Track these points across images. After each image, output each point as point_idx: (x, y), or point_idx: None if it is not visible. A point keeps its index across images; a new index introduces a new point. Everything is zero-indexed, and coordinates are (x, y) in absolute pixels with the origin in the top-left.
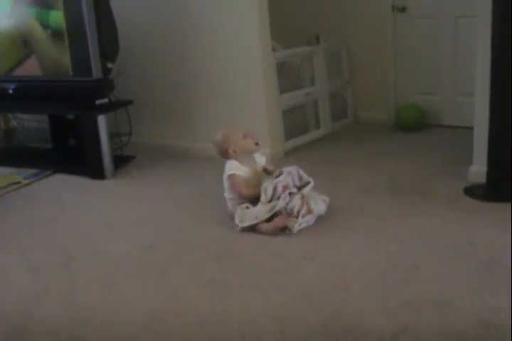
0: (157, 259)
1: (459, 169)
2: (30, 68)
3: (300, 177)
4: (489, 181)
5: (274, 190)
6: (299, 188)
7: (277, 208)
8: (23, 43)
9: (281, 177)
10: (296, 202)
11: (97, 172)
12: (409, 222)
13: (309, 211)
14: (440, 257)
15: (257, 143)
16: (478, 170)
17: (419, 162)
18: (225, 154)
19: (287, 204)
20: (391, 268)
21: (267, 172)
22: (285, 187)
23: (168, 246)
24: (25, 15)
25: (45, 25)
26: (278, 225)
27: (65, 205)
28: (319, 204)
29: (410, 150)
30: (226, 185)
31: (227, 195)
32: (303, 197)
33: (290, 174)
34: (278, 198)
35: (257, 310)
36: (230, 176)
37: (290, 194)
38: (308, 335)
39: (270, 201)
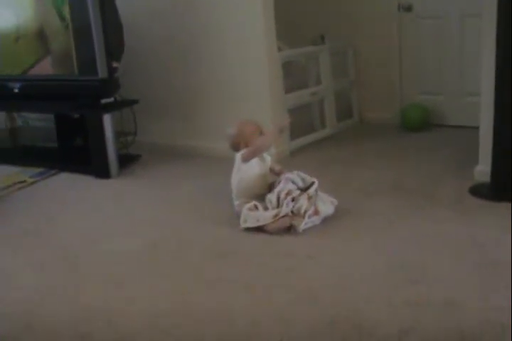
0: (162, 258)
1: (464, 169)
2: (41, 67)
3: (303, 180)
4: (494, 180)
5: (278, 198)
6: (305, 190)
7: (282, 214)
8: (41, 41)
9: (280, 186)
10: (302, 202)
11: (102, 172)
12: (415, 222)
13: (316, 212)
14: (445, 257)
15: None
16: (483, 169)
17: (425, 162)
18: (236, 147)
19: (293, 206)
20: (396, 269)
21: (272, 172)
22: (288, 194)
23: (174, 245)
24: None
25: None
26: (283, 225)
27: (70, 204)
28: (327, 206)
29: (415, 150)
30: (237, 165)
31: (234, 192)
32: (310, 197)
33: (288, 180)
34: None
35: (262, 310)
36: (240, 155)
37: (293, 199)
38: (313, 335)
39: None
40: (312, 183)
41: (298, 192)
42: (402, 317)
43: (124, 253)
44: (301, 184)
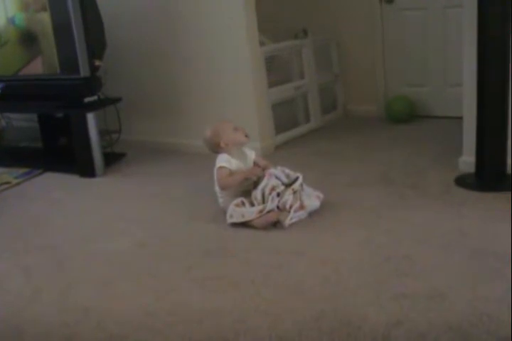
0: (149, 257)
1: (450, 159)
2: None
3: (287, 176)
4: (478, 171)
5: (263, 194)
6: (290, 185)
7: (267, 209)
8: (32, 42)
9: (263, 182)
10: (287, 197)
11: (87, 170)
12: (401, 214)
13: (302, 207)
14: (432, 248)
15: (246, 135)
16: (468, 159)
17: (410, 153)
18: (216, 148)
19: (279, 201)
20: (383, 261)
21: (257, 166)
22: (272, 189)
23: (161, 244)
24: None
25: None
26: (269, 220)
27: (56, 204)
28: (312, 200)
29: (401, 142)
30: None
31: (217, 189)
32: (295, 192)
33: (271, 175)
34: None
35: (250, 307)
36: (218, 168)
37: (278, 194)
38: (302, 330)
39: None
40: (296, 178)
41: (282, 187)
42: (390, 310)
43: (112, 253)
44: (285, 179)
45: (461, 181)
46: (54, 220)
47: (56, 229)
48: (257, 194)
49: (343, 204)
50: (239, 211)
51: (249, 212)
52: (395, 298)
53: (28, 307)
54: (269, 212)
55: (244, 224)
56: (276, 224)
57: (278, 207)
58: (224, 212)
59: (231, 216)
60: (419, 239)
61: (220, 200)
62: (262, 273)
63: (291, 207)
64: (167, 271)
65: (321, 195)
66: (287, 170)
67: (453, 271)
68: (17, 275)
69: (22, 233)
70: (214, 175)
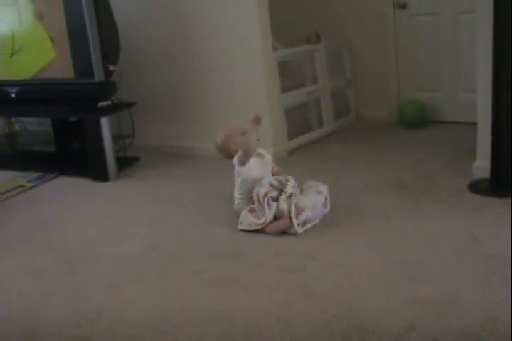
0: (161, 260)
1: (463, 165)
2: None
3: (280, 182)
4: (493, 176)
5: (260, 204)
6: (282, 190)
7: (269, 219)
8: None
9: (255, 191)
10: (282, 204)
11: (100, 175)
12: (414, 218)
13: (299, 209)
14: (445, 253)
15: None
16: (482, 165)
17: (423, 158)
18: (229, 155)
19: (277, 208)
20: (395, 266)
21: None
22: (265, 195)
23: (173, 246)
24: None
25: None
26: (282, 226)
27: (69, 208)
28: (311, 198)
29: (413, 147)
30: (237, 170)
31: (237, 192)
32: (290, 195)
33: (261, 184)
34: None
35: (261, 310)
36: (238, 159)
37: (275, 199)
38: (313, 334)
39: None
40: (287, 181)
41: (276, 192)
42: (402, 314)
43: (123, 256)
44: (277, 184)
45: (475, 187)
46: (66, 223)
47: (68, 232)
48: (255, 206)
49: (355, 208)
50: (249, 219)
51: (255, 223)
52: (407, 302)
53: (39, 309)
54: (277, 219)
55: (256, 229)
56: (288, 230)
57: (275, 217)
58: (236, 215)
59: (241, 223)
60: (431, 244)
61: (236, 202)
62: (272, 276)
63: (289, 213)
64: (178, 273)
65: (323, 190)
66: (279, 177)
67: (465, 276)
68: (28, 277)
69: (34, 236)
70: (234, 179)
